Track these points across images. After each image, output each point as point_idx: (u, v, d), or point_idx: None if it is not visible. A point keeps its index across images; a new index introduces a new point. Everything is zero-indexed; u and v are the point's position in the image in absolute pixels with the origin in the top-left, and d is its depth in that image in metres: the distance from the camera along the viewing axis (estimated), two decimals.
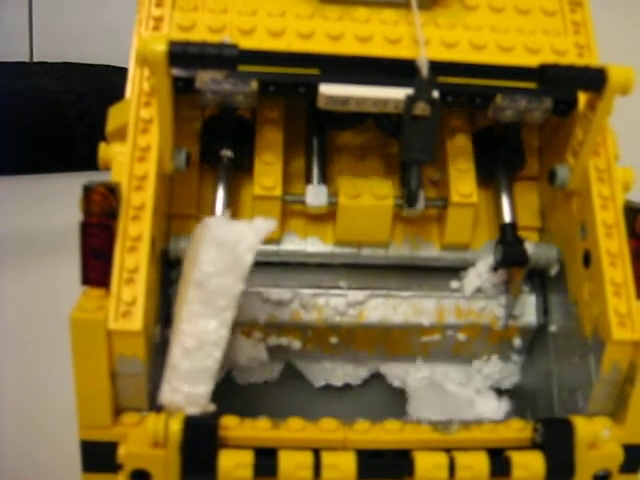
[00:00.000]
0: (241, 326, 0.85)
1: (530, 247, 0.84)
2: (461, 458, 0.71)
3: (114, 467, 0.71)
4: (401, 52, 0.80)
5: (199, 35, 0.80)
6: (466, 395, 0.89)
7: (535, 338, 0.90)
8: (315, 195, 0.84)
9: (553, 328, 0.86)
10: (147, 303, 0.71)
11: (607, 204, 0.79)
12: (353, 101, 0.77)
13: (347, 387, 0.94)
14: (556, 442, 0.72)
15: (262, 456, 0.70)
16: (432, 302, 0.88)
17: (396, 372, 0.92)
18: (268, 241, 0.83)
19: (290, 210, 0.86)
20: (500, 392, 0.93)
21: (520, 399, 0.92)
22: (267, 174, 0.83)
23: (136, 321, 0.69)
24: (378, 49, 0.81)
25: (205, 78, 0.76)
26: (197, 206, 0.85)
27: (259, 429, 0.72)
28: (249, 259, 0.70)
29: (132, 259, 0.71)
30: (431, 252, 0.88)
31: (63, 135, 1.54)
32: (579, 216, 0.82)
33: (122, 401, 0.73)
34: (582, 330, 0.79)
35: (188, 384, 0.72)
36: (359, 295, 0.87)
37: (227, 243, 0.70)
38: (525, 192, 0.90)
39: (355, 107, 0.77)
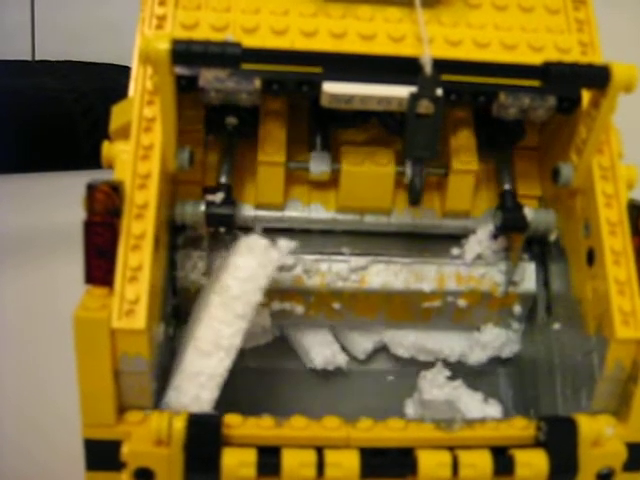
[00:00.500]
0: None
1: (529, 213, 0.85)
2: (464, 456, 0.71)
3: (118, 465, 0.71)
4: (405, 50, 0.80)
5: (202, 34, 0.79)
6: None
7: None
8: (318, 162, 0.85)
9: (556, 326, 0.86)
10: (151, 301, 0.71)
11: (611, 202, 0.79)
12: (357, 99, 0.77)
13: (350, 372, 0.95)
14: (560, 440, 0.72)
15: (265, 454, 0.70)
16: (433, 268, 0.89)
17: (398, 340, 0.94)
18: (272, 207, 0.86)
19: (293, 177, 0.87)
20: (501, 361, 0.95)
21: (520, 371, 0.93)
22: (271, 141, 0.84)
23: (140, 319, 0.69)
24: (381, 47, 0.80)
25: (208, 76, 0.76)
26: (203, 172, 0.86)
27: (262, 427, 0.72)
28: (270, 272, 0.77)
29: (135, 257, 0.71)
30: (432, 219, 0.88)
31: (66, 133, 1.54)
32: (583, 214, 0.82)
33: (126, 399, 0.73)
34: (586, 328, 0.79)
35: (195, 387, 0.73)
36: (361, 261, 0.88)
37: (253, 254, 0.78)
38: (525, 161, 0.91)
39: (359, 105, 0.77)
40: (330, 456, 0.70)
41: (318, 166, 0.85)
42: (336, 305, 0.90)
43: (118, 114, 0.80)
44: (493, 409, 0.89)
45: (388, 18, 0.82)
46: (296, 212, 0.87)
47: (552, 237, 0.86)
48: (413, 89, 0.75)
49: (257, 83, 0.77)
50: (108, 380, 0.70)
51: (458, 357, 0.94)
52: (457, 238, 0.90)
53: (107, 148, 0.79)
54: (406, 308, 0.91)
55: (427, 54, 0.74)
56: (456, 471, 0.70)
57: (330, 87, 0.76)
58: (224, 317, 0.76)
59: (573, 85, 0.77)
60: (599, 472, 0.73)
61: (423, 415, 0.89)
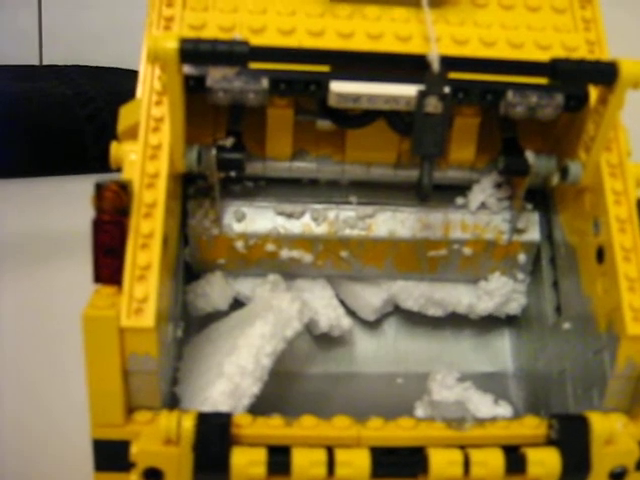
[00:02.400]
0: (255, 238, 0.88)
1: (531, 157, 0.85)
2: (476, 455, 0.70)
3: (126, 466, 0.71)
4: (412, 49, 0.80)
5: (210, 34, 0.80)
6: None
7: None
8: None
9: (567, 326, 0.85)
10: (159, 300, 0.71)
11: (620, 199, 0.79)
12: (364, 99, 0.77)
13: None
14: (572, 438, 0.71)
15: (275, 453, 0.69)
16: (438, 216, 0.91)
17: (407, 292, 0.95)
18: (281, 158, 0.88)
19: (302, 128, 0.87)
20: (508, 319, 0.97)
21: (530, 371, 0.94)
22: (280, 97, 0.84)
23: (148, 318, 0.69)
24: (389, 47, 0.81)
25: (216, 76, 0.76)
26: (214, 124, 0.86)
27: (272, 427, 0.72)
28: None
29: (144, 256, 0.71)
30: (437, 170, 0.89)
31: (72, 137, 1.54)
32: (592, 212, 0.81)
33: (135, 399, 0.73)
34: (596, 326, 0.79)
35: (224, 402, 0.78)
36: (368, 209, 0.90)
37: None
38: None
39: (366, 105, 0.77)
40: (341, 455, 0.69)
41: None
42: (344, 253, 0.91)
43: (126, 115, 0.80)
44: (503, 410, 0.89)
45: (395, 18, 0.83)
46: (304, 163, 0.88)
47: (554, 181, 0.85)
48: (421, 87, 0.75)
49: (264, 82, 0.77)
50: (117, 380, 0.70)
51: (467, 308, 0.95)
52: (461, 189, 0.92)
53: (115, 148, 0.79)
54: (413, 257, 0.92)
55: (435, 51, 0.74)
56: (467, 469, 0.69)
57: (338, 86, 0.76)
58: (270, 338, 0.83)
59: (581, 81, 0.77)
60: (612, 471, 0.73)
61: (433, 415, 0.88)
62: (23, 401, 1.07)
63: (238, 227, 0.88)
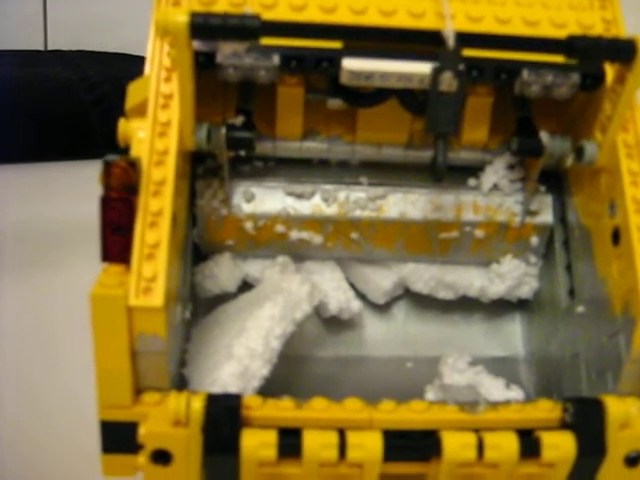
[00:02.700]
0: (264, 219, 0.87)
1: (545, 137, 0.84)
2: (490, 438, 0.69)
3: (134, 447, 0.70)
4: (425, 26, 0.78)
5: (221, 9, 0.78)
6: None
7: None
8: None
9: (580, 309, 0.84)
10: (168, 280, 0.70)
11: (637, 180, 0.78)
12: (377, 76, 0.75)
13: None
14: (587, 422, 0.70)
15: (286, 436, 0.68)
16: (450, 198, 0.89)
17: (418, 274, 0.94)
18: (291, 137, 0.87)
19: (312, 108, 0.85)
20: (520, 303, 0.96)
21: (542, 356, 0.93)
22: (290, 75, 0.83)
23: (157, 297, 0.68)
24: (402, 23, 0.79)
25: (226, 51, 0.74)
26: (224, 102, 0.85)
27: (282, 409, 0.71)
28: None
29: (153, 234, 0.70)
30: (449, 151, 0.86)
31: (78, 123, 1.53)
32: (608, 193, 0.80)
33: (143, 380, 0.72)
34: (611, 309, 0.78)
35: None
36: (379, 190, 0.89)
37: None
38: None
39: (379, 82, 0.76)
40: (352, 437, 0.68)
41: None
42: (354, 235, 0.90)
43: (134, 92, 0.79)
44: (515, 394, 0.88)
45: None
46: (314, 143, 0.87)
47: (568, 163, 0.84)
48: (435, 64, 0.73)
49: (275, 59, 0.75)
50: (125, 360, 0.69)
51: (478, 291, 0.94)
52: (474, 170, 0.90)
53: (123, 126, 0.77)
54: (424, 239, 0.91)
55: (449, 27, 0.73)
56: (481, 453, 0.68)
57: (350, 63, 0.75)
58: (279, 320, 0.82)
59: (598, 59, 0.75)
60: (627, 455, 0.72)
61: (445, 398, 0.87)
62: (22, 402, 1.07)
63: (247, 207, 0.87)
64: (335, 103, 0.84)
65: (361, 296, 0.96)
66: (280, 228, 0.88)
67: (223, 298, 0.91)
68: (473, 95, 0.85)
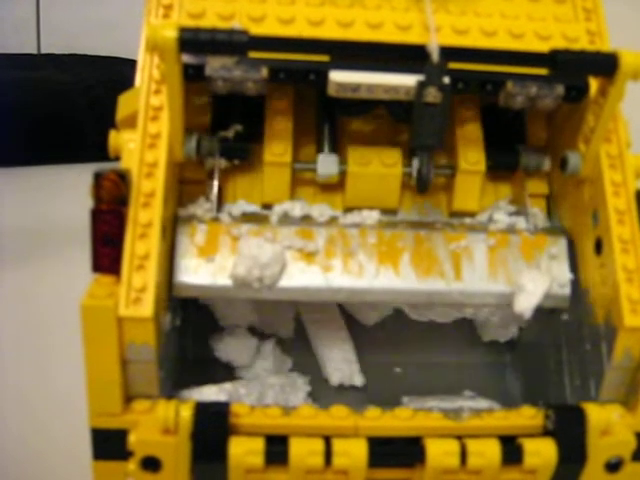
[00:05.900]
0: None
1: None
2: (473, 445, 0.70)
3: (125, 454, 0.71)
4: (412, 39, 0.79)
5: (209, 23, 0.79)
6: None
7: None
8: (326, 164, 0.83)
9: (565, 317, 0.85)
10: (157, 290, 0.71)
11: (619, 190, 0.79)
12: (364, 88, 0.76)
13: None
14: (568, 429, 0.72)
15: (273, 443, 0.69)
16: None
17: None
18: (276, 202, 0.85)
19: (300, 178, 0.86)
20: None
21: (527, 362, 0.94)
22: (277, 141, 0.83)
23: (147, 307, 0.69)
24: (388, 36, 0.80)
25: (215, 65, 0.75)
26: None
27: (270, 416, 0.72)
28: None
29: (142, 246, 0.71)
30: (439, 219, 0.87)
31: (71, 126, 1.54)
32: (591, 203, 0.81)
33: (133, 388, 0.73)
34: (594, 318, 0.79)
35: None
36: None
37: None
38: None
39: (366, 94, 0.77)
40: (338, 445, 0.70)
41: (326, 169, 0.83)
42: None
43: (125, 103, 0.80)
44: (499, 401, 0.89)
45: (395, 7, 0.82)
46: (302, 211, 0.86)
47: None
48: (420, 77, 0.74)
49: (264, 71, 0.76)
50: (115, 369, 0.70)
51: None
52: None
53: (114, 137, 0.78)
54: None
55: (434, 41, 0.74)
56: (464, 460, 0.70)
57: (337, 76, 0.76)
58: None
59: (581, 72, 0.76)
60: (608, 461, 0.73)
61: (430, 405, 0.88)
62: (13, 407, 1.07)
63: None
64: (324, 176, 0.83)
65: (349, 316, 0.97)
66: None
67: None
68: (463, 174, 0.85)
